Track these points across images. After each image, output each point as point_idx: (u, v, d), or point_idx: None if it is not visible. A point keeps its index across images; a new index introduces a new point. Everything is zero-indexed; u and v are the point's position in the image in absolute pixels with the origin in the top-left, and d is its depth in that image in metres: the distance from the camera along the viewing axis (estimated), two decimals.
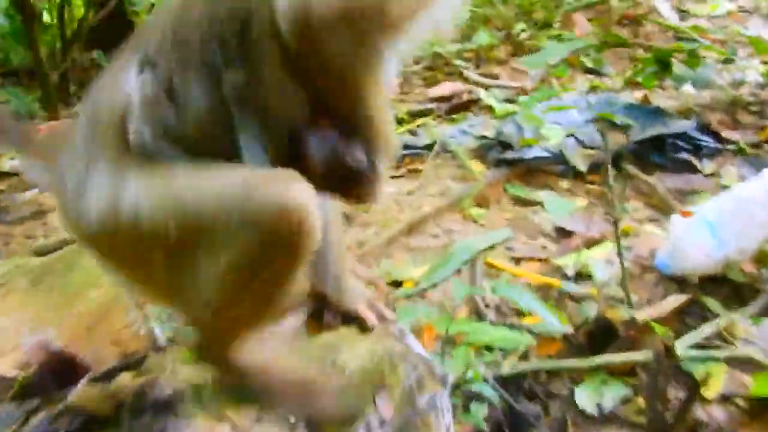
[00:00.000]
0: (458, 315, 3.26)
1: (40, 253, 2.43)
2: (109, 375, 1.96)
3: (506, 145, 4.29)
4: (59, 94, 6.54)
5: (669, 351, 2.32)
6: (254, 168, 1.56)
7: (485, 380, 2.64)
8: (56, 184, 1.65)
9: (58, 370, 2.09)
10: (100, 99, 1.63)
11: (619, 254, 2.83)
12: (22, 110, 6.84)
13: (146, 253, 1.55)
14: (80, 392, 1.82)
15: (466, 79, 5.67)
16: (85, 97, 1.70)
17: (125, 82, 1.57)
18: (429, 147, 4.59)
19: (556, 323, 2.07)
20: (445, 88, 5.39)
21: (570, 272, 3.34)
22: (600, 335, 2.81)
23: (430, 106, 5.32)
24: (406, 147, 4.62)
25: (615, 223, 2.79)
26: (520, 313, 3.21)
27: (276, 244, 1.49)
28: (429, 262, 3.59)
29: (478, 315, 3.20)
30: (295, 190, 1.49)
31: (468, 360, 2.67)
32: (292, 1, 1.47)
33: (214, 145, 1.56)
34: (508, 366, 2.77)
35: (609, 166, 3.00)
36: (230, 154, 1.56)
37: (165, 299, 1.75)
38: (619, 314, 2.88)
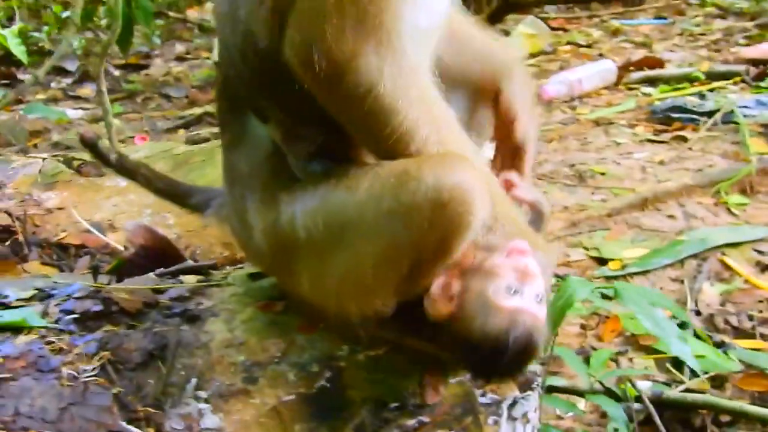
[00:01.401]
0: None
1: (191, 141, 2.39)
2: (177, 273, 1.85)
3: None
4: None
5: None
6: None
7: (638, 398, 2.10)
8: (227, 219, 1.66)
9: (157, 252, 2.05)
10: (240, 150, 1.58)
11: None
12: None
13: (307, 259, 1.47)
14: (124, 284, 1.73)
15: None
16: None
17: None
18: (711, 114, 3.84)
19: (693, 363, 1.49)
20: (762, 49, 4.47)
21: None
22: None
23: (737, 68, 4.46)
24: (681, 110, 3.93)
25: None
26: (740, 333, 2.56)
27: (436, 222, 1.31)
28: (651, 246, 3.00)
29: (682, 321, 2.60)
30: (453, 167, 1.31)
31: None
32: None
33: None
34: (682, 393, 2.18)
35: None
36: None
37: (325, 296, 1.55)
38: None
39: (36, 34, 6.76)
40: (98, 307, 1.60)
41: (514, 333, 1.35)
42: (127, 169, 1.79)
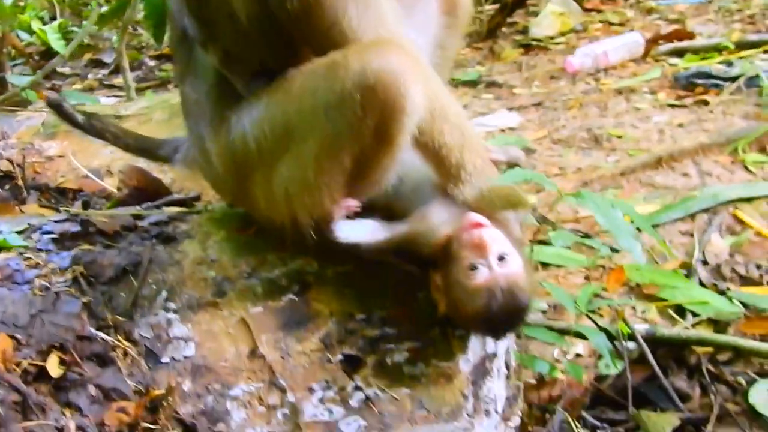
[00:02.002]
0: (665, 266, 2.64)
1: None
2: (162, 206, 1.89)
3: None
4: None
5: None
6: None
7: (632, 337, 2.07)
8: (193, 160, 1.70)
9: (149, 193, 2.10)
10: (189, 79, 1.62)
11: None
12: None
13: (260, 172, 1.51)
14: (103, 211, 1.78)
15: None
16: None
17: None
18: (736, 80, 3.76)
19: (638, 256, 1.49)
20: None
21: None
22: None
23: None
24: (705, 76, 3.86)
25: None
26: (748, 281, 2.50)
27: (368, 108, 1.34)
28: (664, 203, 2.95)
29: (689, 271, 2.56)
30: (378, 52, 1.34)
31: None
32: None
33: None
34: (677, 331, 2.14)
35: None
36: None
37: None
38: None
39: (75, 29, 6.94)
40: (76, 228, 1.64)
41: (496, 301, 1.42)
42: (95, 129, 1.80)
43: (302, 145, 1.40)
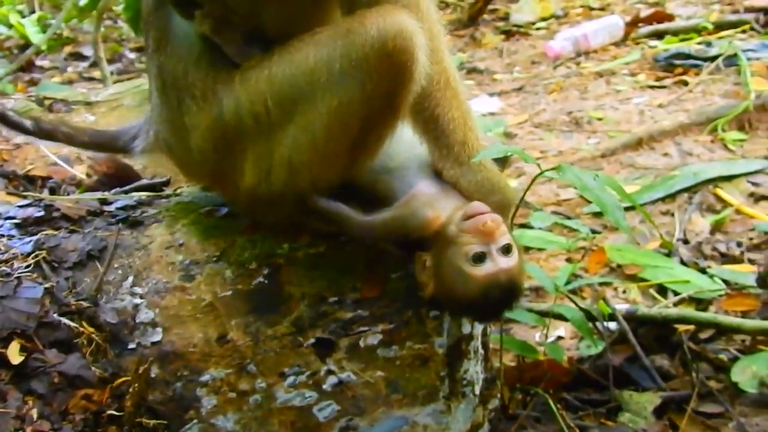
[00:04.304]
0: (645, 246, 2.62)
1: None
2: (132, 191, 1.84)
3: None
4: None
5: None
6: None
7: (612, 317, 2.05)
8: (156, 142, 1.61)
9: (120, 179, 2.06)
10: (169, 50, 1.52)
11: None
12: None
13: (255, 145, 1.46)
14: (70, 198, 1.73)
15: None
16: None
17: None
18: (715, 59, 3.75)
19: (623, 224, 1.46)
20: None
21: None
22: None
23: (747, 17, 4.35)
24: (684, 56, 3.85)
25: None
26: (729, 259, 2.48)
27: (383, 73, 1.35)
28: (645, 183, 2.93)
29: (669, 251, 2.54)
30: (393, 19, 1.35)
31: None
32: None
33: None
34: (657, 309, 2.12)
35: None
36: None
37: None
38: None
39: (54, 21, 6.85)
40: (40, 213, 1.60)
41: (493, 292, 1.39)
42: (46, 131, 1.73)
43: (312, 114, 1.38)
